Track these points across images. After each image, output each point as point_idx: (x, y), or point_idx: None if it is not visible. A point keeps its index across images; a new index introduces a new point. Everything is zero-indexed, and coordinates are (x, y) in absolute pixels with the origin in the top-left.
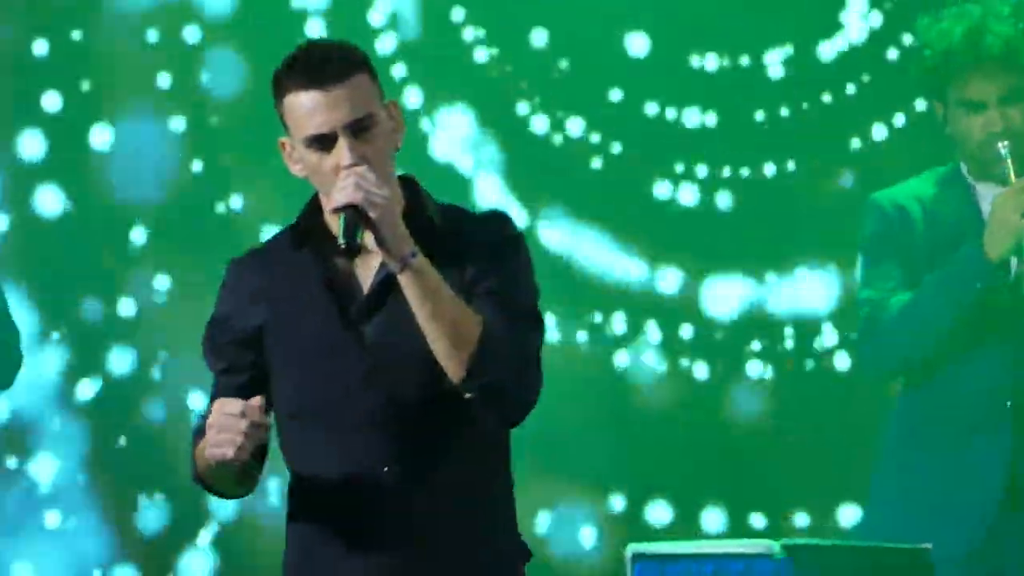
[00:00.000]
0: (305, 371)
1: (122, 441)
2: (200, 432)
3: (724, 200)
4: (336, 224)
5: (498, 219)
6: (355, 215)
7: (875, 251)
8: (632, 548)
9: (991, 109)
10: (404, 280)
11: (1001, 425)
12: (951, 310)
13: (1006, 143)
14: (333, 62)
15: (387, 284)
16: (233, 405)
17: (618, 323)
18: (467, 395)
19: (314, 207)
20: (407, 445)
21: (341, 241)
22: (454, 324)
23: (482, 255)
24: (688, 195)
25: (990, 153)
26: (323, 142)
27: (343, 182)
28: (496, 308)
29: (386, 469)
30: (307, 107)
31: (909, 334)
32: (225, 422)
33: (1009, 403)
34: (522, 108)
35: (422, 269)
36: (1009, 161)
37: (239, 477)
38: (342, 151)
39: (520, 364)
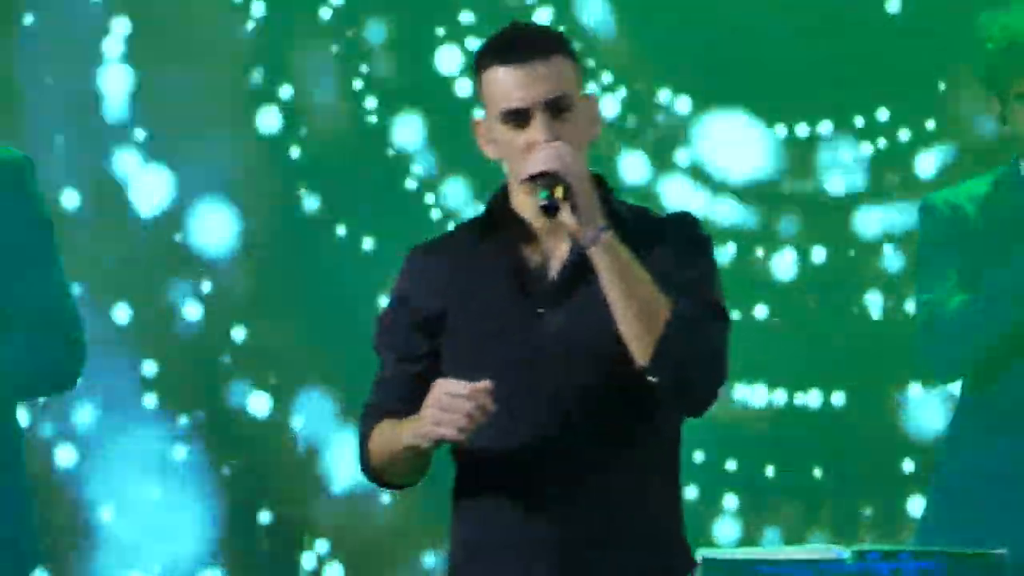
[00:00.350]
0: (486, 357)
1: None
2: (372, 419)
3: None
4: (526, 208)
5: (689, 219)
6: (551, 182)
7: (931, 253)
8: (702, 553)
9: None
10: (596, 255)
11: None
12: (1016, 310)
13: None
14: (536, 40)
15: (574, 271)
16: (457, 386)
17: None
18: (651, 379)
19: (503, 195)
20: (582, 436)
21: (541, 201)
22: (645, 304)
23: (674, 252)
24: None
25: None
26: (518, 117)
27: (541, 152)
28: (687, 298)
29: (557, 499)
30: (505, 81)
31: (972, 334)
32: (449, 403)
33: None
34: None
35: (614, 244)
36: None
37: (422, 464)
38: (538, 127)
39: (708, 353)
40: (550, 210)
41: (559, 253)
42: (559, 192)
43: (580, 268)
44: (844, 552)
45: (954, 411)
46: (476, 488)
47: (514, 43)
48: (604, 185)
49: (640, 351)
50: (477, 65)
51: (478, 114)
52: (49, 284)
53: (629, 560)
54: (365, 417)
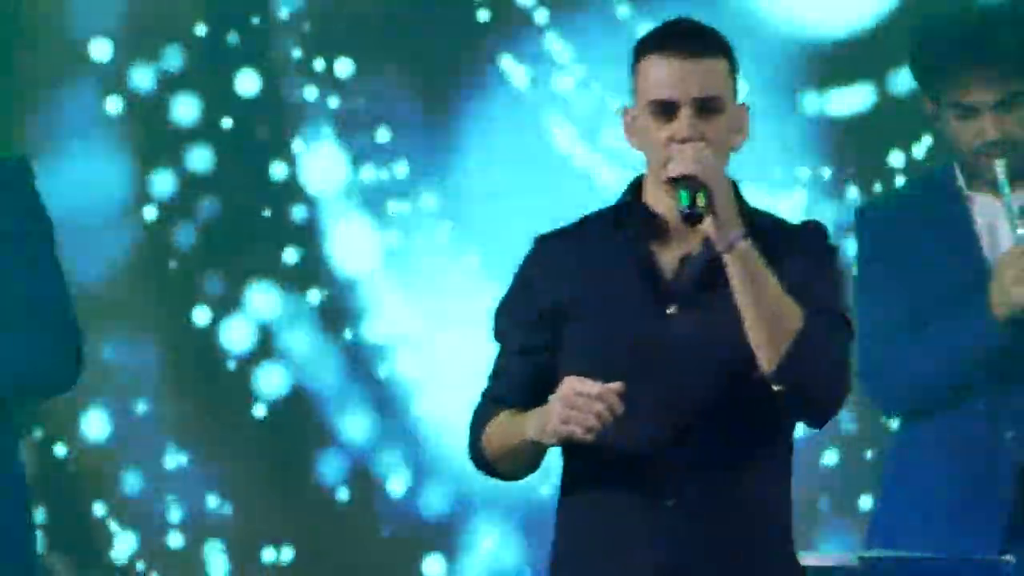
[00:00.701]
0: (609, 353)
1: None
2: (489, 409)
3: None
4: (662, 203)
5: (821, 229)
6: (693, 186)
7: (867, 265)
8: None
9: (986, 114)
10: (731, 261)
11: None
12: (959, 363)
13: (1002, 163)
14: (699, 37)
15: (706, 274)
16: (589, 385)
17: None
18: (776, 387)
19: (637, 187)
20: (699, 439)
21: (683, 208)
22: (776, 311)
23: (807, 262)
24: None
25: (983, 164)
26: (666, 110)
27: (682, 153)
28: (817, 308)
29: (669, 504)
30: (660, 71)
31: (916, 375)
32: (579, 402)
33: (1010, 434)
34: None
35: (749, 252)
36: (1003, 179)
37: (539, 458)
38: (682, 122)
39: (834, 364)
40: (691, 218)
41: (691, 253)
42: (700, 200)
43: (712, 271)
44: (852, 558)
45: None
46: (585, 484)
47: (677, 36)
48: (737, 191)
49: (767, 358)
50: (636, 52)
51: (628, 103)
52: (47, 286)
53: (739, 570)
54: (482, 406)
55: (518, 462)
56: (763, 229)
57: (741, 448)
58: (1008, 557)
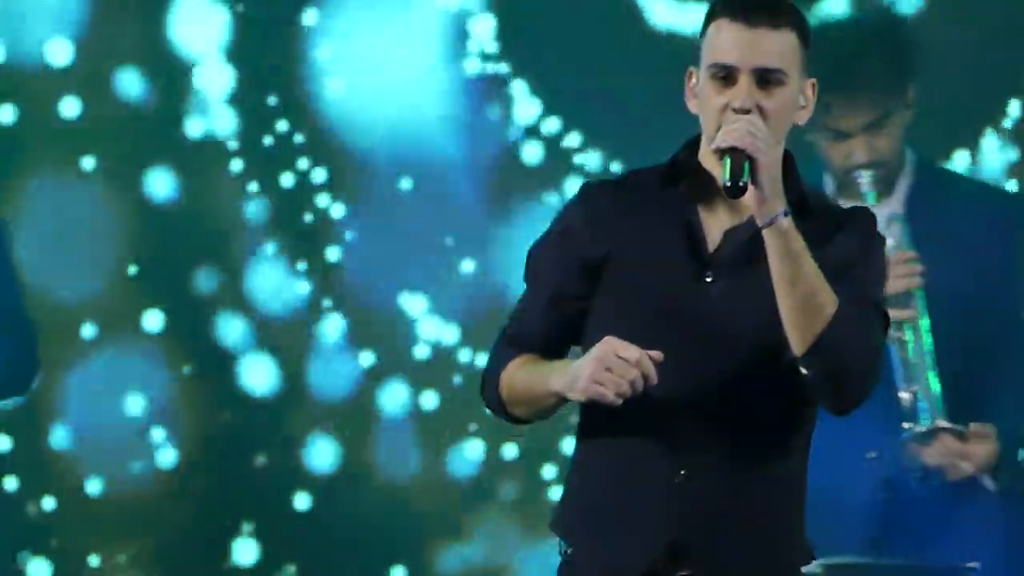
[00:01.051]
0: (642, 313)
1: None
2: (511, 350)
3: None
4: (713, 166)
5: (868, 215)
6: (739, 159)
7: None
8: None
9: (857, 137)
10: (770, 237)
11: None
12: None
13: (866, 175)
14: (771, 8)
15: (748, 246)
16: (629, 350)
17: None
18: (805, 371)
19: (693, 147)
20: (722, 409)
21: (726, 181)
22: (811, 294)
23: (849, 245)
24: None
25: (852, 178)
26: (725, 75)
27: (733, 124)
28: (853, 294)
29: (683, 473)
30: (726, 36)
31: None
32: (616, 364)
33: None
34: None
35: (790, 230)
36: (867, 190)
37: (556, 409)
38: (740, 91)
39: (864, 352)
40: (733, 191)
41: (737, 223)
42: (744, 175)
43: (754, 244)
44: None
45: None
46: (603, 434)
47: (750, 4)
48: (792, 165)
49: (798, 341)
50: (709, 15)
51: (694, 67)
52: (5, 287)
53: (748, 543)
54: (503, 344)
55: (534, 409)
56: (812, 208)
57: (760, 426)
58: (974, 564)
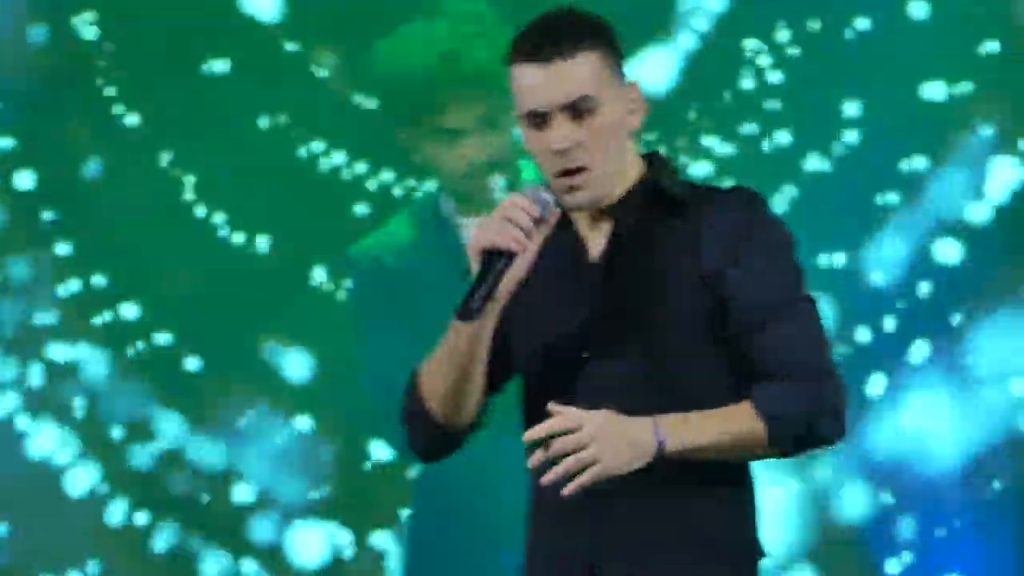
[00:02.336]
0: (535, 329)
1: None
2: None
3: None
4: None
5: (739, 199)
6: (491, 264)
7: (365, 315)
8: None
9: (471, 136)
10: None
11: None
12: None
13: (499, 179)
14: (560, 36)
15: (616, 256)
16: (523, 198)
17: None
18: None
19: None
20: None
21: (465, 299)
22: (736, 442)
23: (722, 245)
24: None
25: (474, 185)
26: (538, 119)
27: (489, 219)
28: (772, 385)
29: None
30: (526, 81)
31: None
32: (512, 213)
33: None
34: None
35: (681, 445)
36: (500, 196)
37: (473, 379)
38: (555, 132)
39: (819, 431)
40: (462, 314)
41: (598, 239)
42: (483, 290)
43: (629, 247)
44: None
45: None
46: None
47: (538, 39)
48: (659, 165)
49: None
50: (508, 58)
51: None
52: None
53: (681, 557)
54: (412, 372)
55: (450, 365)
56: (689, 205)
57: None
58: None
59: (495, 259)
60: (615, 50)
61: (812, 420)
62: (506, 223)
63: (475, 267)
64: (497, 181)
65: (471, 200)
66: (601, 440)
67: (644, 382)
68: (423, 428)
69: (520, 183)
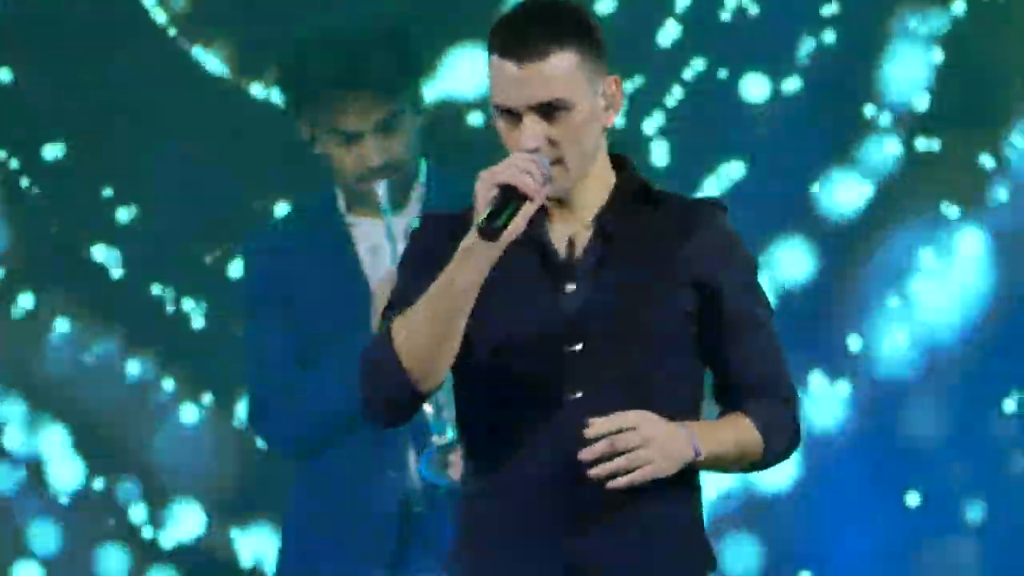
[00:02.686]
0: (508, 330)
1: None
2: (393, 312)
3: None
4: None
5: (718, 210)
6: (507, 199)
7: (253, 302)
8: None
9: (368, 139)
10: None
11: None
12: (347, 400)
13: (383, 184)
14: (536, 34)
15: (599, 254)
16: (531, 158)
17: None
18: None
19: None
20: (597, 414)
21: (480, 222)
22: (742, 455)
23: (716, 252)
24: None
25: (367, 187)
26: (510, 115)
27: (514, 160)
28: (750, 361)
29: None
30: (501, 76)
31: (305, 416)
32: (527, 165)
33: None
34: None
35: (710, 454)
36: (385, 203)
37: (458, 323)
38: (526, 130)
39: (796, 419)
40: (487, 234)
41: (579, 237)
42: (503, 218)
43: (605, 252)
44: None
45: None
46: (488, 451)
47: (515, 35)
48: (626, 168)
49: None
50: (488, 43)
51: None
52: None
53: (641, 550)
54: (384, 330)
55: (440, 324)
56: (659, 198)
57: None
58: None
59: (511, 194)
60: (595, 44)
61: (794, 436)
62: (522, 171)
63: (483, 202)
64: (383, 184)
65: (362, 201)
66: (656, 442)
67: (622, 380)
68: (392, 385)
69: (421, 182)
